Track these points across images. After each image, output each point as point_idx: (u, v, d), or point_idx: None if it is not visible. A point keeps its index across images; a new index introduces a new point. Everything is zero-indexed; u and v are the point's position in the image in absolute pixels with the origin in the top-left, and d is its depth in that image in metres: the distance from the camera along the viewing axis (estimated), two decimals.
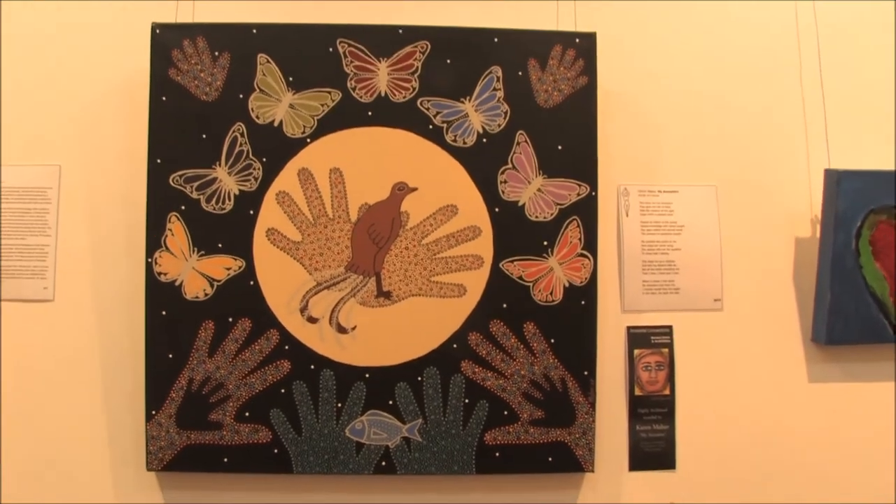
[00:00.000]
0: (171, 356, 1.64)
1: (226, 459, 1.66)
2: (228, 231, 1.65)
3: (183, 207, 1.64)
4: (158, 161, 1.64)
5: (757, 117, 1.79)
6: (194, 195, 1.64)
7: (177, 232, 1.64)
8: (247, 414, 1.66)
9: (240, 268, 1.65)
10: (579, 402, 1.68)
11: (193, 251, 1.65)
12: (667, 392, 1.76)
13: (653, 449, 1.75)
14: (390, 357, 1.67)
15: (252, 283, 1.66)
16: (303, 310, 1.66)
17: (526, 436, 1.68)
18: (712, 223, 1.77)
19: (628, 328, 1.76)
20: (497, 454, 1.68)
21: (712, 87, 1.78)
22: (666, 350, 1.76)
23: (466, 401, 1.67)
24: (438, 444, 1.68)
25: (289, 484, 1.71)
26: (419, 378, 1.67)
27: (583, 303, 1.68)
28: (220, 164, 1.64)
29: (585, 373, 1.68)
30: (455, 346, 1.67)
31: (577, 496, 1.75)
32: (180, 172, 1.64)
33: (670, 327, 1.77)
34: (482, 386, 1.67)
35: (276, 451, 1.66)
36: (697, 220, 1.77)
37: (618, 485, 1.75)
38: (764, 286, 1.78)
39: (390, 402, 1.67)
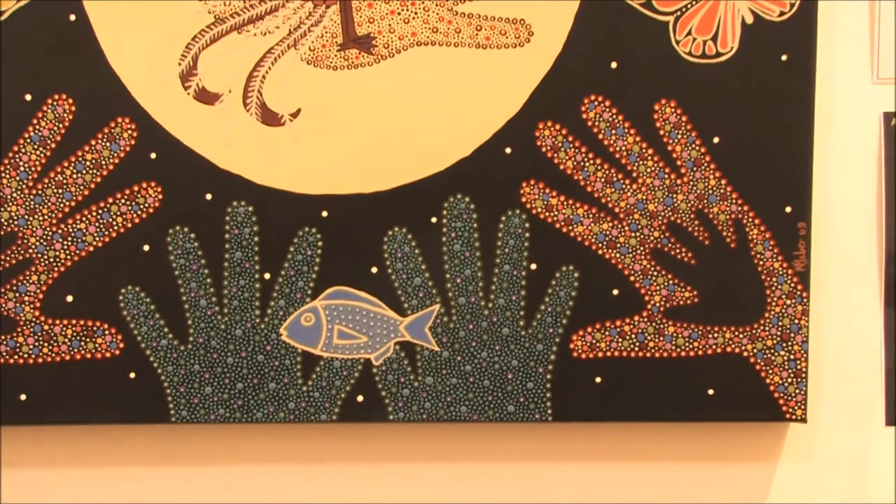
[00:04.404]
0: None
1: (23, 396, 0.95)
2: None
3: None
4: None
5: None
6: None
7: None
8: (69, 299, 0.94)
9: None
10: (774, 271, 0.95)
11: None
12: None
13: None
14: (372, 176, 0.94)
15: (73, 17, 0.92)
16: (186, 75, 0.94)
17: (659, 341, 0.96)
18: None
19: (887, 116, 1.00)
20: (598, 379, 0.96)
21: None
22: None
23: (533, 266, 0.95)
24: (476, 357, 0.95)
25: (162, 445, 1.00)
26: (433, 218, 0.95)
27: (784, 58, 0.94)
28: None
29: (788, 209, 0.94)
30: (509, 149, 0.94)
31: (773, 472, 1.03)
32: None
33: None
34: (565, 234, 0.95)
35: (132, 375, 0.95)
36: None
37: (861, 453, 1.02)
38: None
39: (373, 270, 0.95)
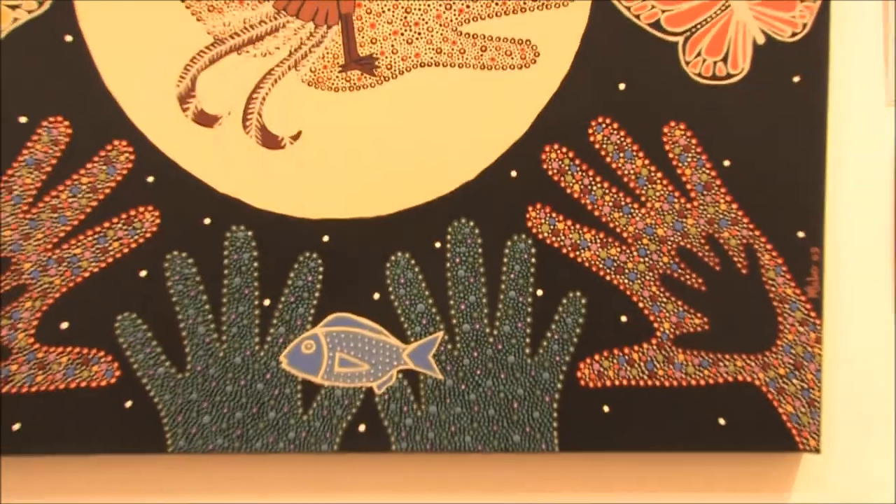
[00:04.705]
0: None
1: (17, 426, 0.92)
2: None
3: None
4: None
5: None
6: None
7: None
8: (63, 326, 0.91)
9: (41, 4, 0.91)
10: (787, 297, 0.92)
11: None
12: None
13: None
14: (375, 200, 0.92)
15: (70, 38, 0.90)
16: (185, 97, 0.92)
17: (669, 370, 0.93)
18: None
19: None
20: (606, 408, 0.93)
21: None
22: None
23: (539, 292, 0.92)
24: (480, 386, 0.92)
25: (159, 476, 0.96)
26: (436, 243, 0.93)
27: (796, 80, 0.92)
28: None
29: (800, 234, 0.92)
30: (514, 173, 0.92)
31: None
32: None
33: None
34: (572, 260, 0.92)
35: (128, 403, 0.92)
36: None
37: (876, 484, 0.96)
38: None
39: (376, 297, 0.93)
